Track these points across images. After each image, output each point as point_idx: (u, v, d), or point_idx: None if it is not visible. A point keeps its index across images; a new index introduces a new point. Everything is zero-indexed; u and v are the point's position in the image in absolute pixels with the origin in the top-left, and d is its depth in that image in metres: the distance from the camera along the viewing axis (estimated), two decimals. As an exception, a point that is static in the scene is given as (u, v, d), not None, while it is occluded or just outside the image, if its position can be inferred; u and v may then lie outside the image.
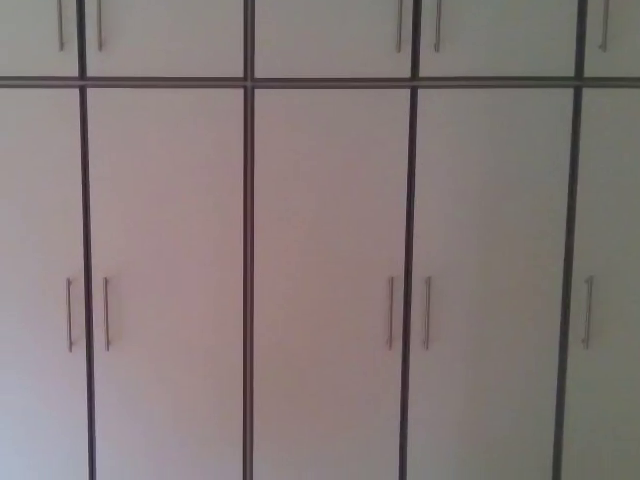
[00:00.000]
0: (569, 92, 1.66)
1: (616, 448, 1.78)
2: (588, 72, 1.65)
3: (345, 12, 1.64)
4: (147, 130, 1.66)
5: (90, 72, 1.64)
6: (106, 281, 1.69)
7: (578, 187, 1.69)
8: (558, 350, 1.74)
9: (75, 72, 1.63)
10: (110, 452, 1.76)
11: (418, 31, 1.62)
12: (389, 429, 1.75)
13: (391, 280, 1.70)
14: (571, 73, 1.65)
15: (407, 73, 1.65)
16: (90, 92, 1.64)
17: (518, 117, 1.67)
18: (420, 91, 1.65)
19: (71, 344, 1.70)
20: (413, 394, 1.74)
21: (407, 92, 1.65)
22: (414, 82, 1.66)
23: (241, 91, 1.65)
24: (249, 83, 1.66)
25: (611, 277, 1.72)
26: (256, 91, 1.65)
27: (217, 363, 1.73)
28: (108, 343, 1.71)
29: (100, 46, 1.63)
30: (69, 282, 1.68)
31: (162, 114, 1.65)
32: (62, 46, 1.61)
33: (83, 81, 1.65)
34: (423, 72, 1.65)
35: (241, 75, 1.64)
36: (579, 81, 1.67)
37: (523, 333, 1.73)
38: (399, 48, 1.63)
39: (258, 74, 1.65)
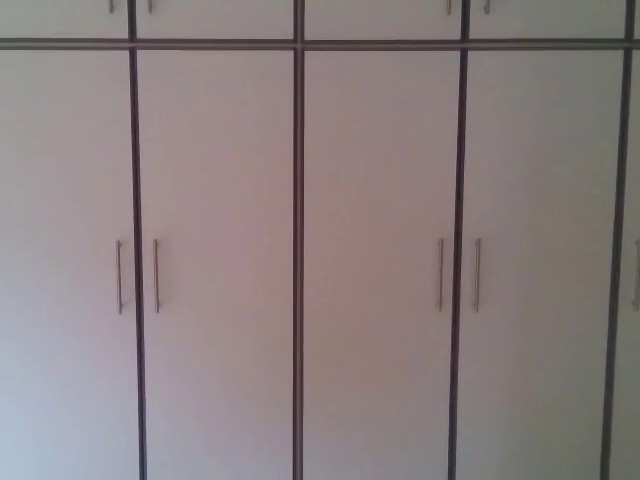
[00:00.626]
0: (619, 54, 1.92)
1: (666, 410, 2.10)
2: (639, 34, 1.98)
3: (397, -26, 1.95)
4: (197, 92, 1.94)
5: (140, 34, 1.92)
6: (156, 243, 2.00)
7: (628, 149, 1.97)
8: (608, 312, 2.03)
9: (125, 34, 1.91)
10: (160, 414, 2.06)
11: (469, -7, 1.93)
12: (439, 391, 2.05)
13: (441, 242, 2.02)
14: (621, 35, 1.92)
15: (457, 35, 1.94)
16: (140, 54, 1.93)
17: (568, 79, 1.95)
18: (470, 53, 1.93)
19: (121, 306, 2.03)
20: (463, 356, 2.04)
21: (457, 54, 1.93)
22: (464, 44, 1.95)
23: (291, 53, 1.94)
24: (299, 45, 1.95)
25: (662, 239, 2.02)
26: (306, 53, 1.94)
27: (267, 326, 2.03)
28: (158, 305, 2.03)
29: (150, 8, 1.92)
30: (119, 244, 1.99)
31: (212, 76, 1.93)
32: (112, 8, 1.90)
33: (133, 43, 1.94)
34: (473, 34, 1.93)
35: (291, 37, 1.93)
36: (629, 43, 1.94)
37: (573, 295, 2.04)
38: (449, 10, 1.94)
39: (308, 36, 1.93)
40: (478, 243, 1.97)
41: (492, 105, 1.94)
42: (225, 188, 1.96)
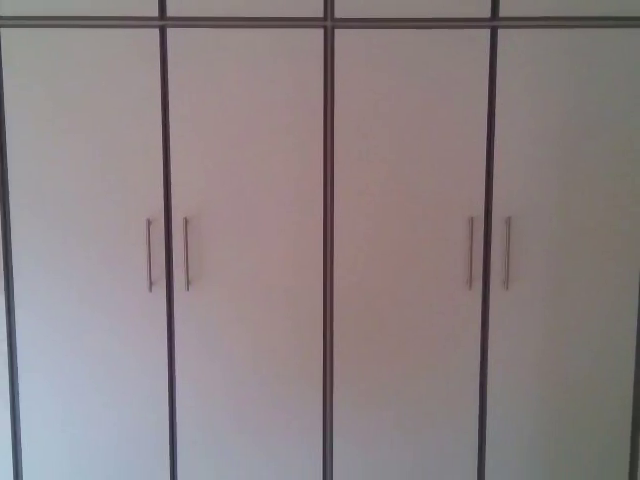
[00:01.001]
0: (650, 31, 2.12)
1: (695, 390, 2.27)
2: (670, 11, 2.12)
3: (428, -48, 2.10)
4: (227, 70, 2.14)
5: (170, 12, 2.12)
6: (186, 221, 2.21)
7: (659, 127, 2.16)
8: (638, 289, 2.22)
9: (155, 12, 2.11)
10: (190, 392, 2.26)
11: (499, -29, 2.08)
12: (469, 369, 2.27)
13: (471, 220, 2.24)
14: (653, 12, 2.11)
15: (487, 13, 2.12)
16: (170, 32, 2.13)
17: (598, 56, 2.13)
18: (500, 31, 2.12)
19: (151, 284, 2.24)
20: (493, 334, 2.25)
21: (487, 32, 2.13)
22: (494, 22, 2.13)
23: (321, 31, 2.14)
24: (329, 23, 2.15)
25: (691, 218, 2.18)
26: (336, 31, 2.14)
27: (297, 304, 2.24)
28: (188, 283, 2.24)
29: (180, -15, 2.11)
30: (149, 222, 2.20)
31: (242, 54, 2.13)
32: (143, -15, 2.10)
33: (163, 21, 2.13)
34: (503, 12, 2.11)
35: (321, 15, 2.12)
36: (661, 21, 2.13)
37: (603, 272, 2.23)
38: (480, -13, 2.11)
39: (338, 14, 2.13)
40: (508, 221, 2.18)
41: (522, 83, 2.14)
42: (255, 166, 2.17)
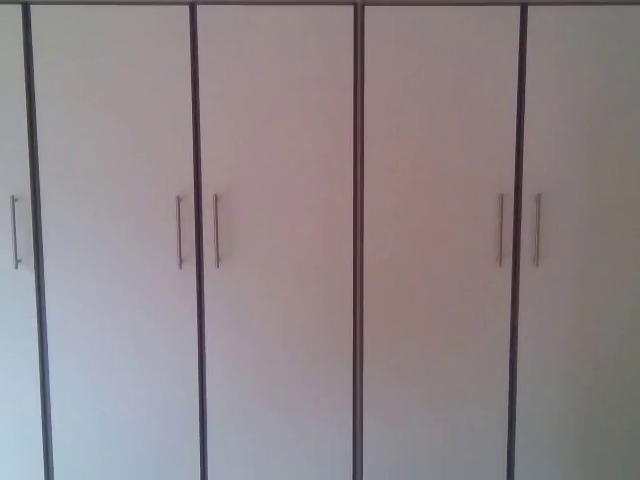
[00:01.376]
0: (681, 8, 2.28)
1: None
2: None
3: None
4: (257, 47, 2.34)
5: None
6: (216, 198, 2.43)
7: (690, 104, 2.32)
8: None
9: None
10: (220, 369, 2.48)
11: (530, -54, 2.25)
12: (499, 346, 2.49)
13: (501, 197, 2.44)
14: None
15: None
16: (200, 9, 2.33)
17: (628, 33, 2.32)
18: (530, 8, 2.32)
19: (181, 261, 2.46)
20: (523, 311, 2.47)
21: (517, 9, 2.33)
22: None
23: (351, 8, 2.33)
24: (359, 0, 2.38)
25: None
26: (366, 8, 2.33)
27: (327, 281, 2.45)
28: (218, 260, 2.46)
29: (210, -38, 2.28)
30: (179, 199, 2.42)
31: (272, 31, 2.33)
32: (173, -38, 2.27)
33: None
34: None
35: None
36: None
37: (633, 249, 2.42)
38: (510, -36, 2.28)
39: None
40: (538, 198, 2.41)
41: (552, 60, 2.34)
42: (285, 143, 2.39)
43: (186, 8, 2.33)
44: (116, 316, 2.47)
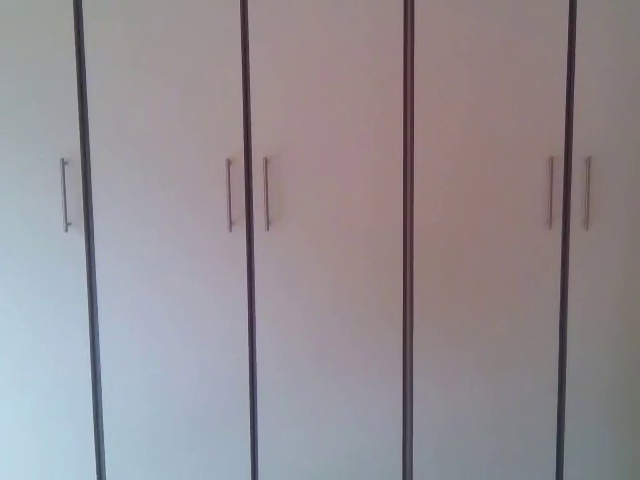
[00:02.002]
0: None
1: None
2: None
3: None
4: (307, 10, 2.71)
5: None
6: (266, 161, 2.81)
7: None
8: None
9: None
10: (270, 332, 2.88)
11: None
12: (549, 309, 2.86)
13: (551, 160, 2.77)
14: None
15: None
16: None
17: None
18: None
19: (231, 224, 2.84)
20: (573, 273, 2.81)
21: None
22: None
23: None
24: None
25: None
26: None
27: (377, 244, 2.82)
28: (268, 223, 2.83)
29: None
30: (229, 162, 2.81)
31: None
32: None
33: None
34: None
35: None
36: None
37: None
38: None
39: None
40: (588, 161, 2.76)
41: (603, 22, 2.67)
42: (335, 106, 2.78)
43: (236, -30, 2.58)
44: (166, 279, 2.89)
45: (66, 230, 2.89)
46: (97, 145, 2.85)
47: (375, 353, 2.96)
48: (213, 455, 3.01)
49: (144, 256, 2.89)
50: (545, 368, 2.96)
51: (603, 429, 2.96)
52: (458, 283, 2.93)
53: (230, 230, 2.90)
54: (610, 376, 2.90)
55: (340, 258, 2.90)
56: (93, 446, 3.04)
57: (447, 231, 2.88)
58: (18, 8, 2.74)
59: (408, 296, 2.94)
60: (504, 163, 2.84)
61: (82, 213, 2.89)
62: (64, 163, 2.85)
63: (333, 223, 2.88)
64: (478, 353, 2.95)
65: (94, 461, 3.05)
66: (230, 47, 2.80)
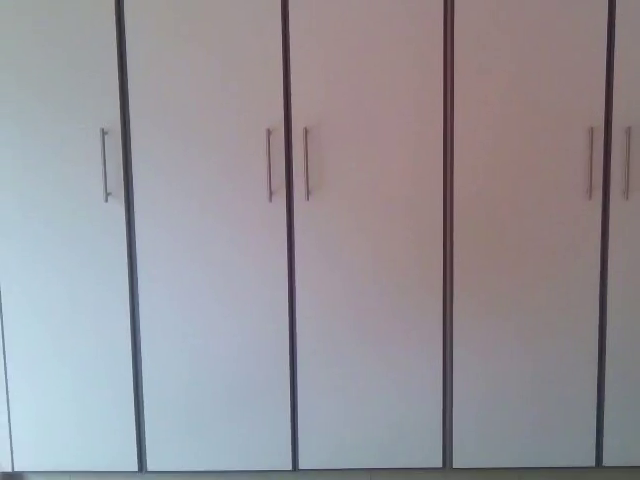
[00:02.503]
0: None
1: None
2: None
3: None
4: None
5: None
6: (306, 131, 3.14)
7: None
8: None
9: None
10: (310, 302, 3.23)
11: None
12: (589, 279, 3.17)
13: (591, 130, 3.06)
14: None
15: None
16: None
17: None
18: None
19: (271, 194, 3.19)
20: (613, 243, 3.07)
21: None
22: None
23: None
24: None
25: None
26: None
27: (417, 214, 3.15)
28: (308, 193, 3.18)
29: None
30: (269, 132, 3.15)
31: None
32: None
33: None
34: None
35: None
36: None
37: None
38: None
39: None
40: (628, 131, 3.03)
41: None
42: (375, 76, 3.11)
43: (276, -60, 2.86)
44: (206, 250, 3.25)
45: (106, 200, 3.26)
46: (137, 115, 3.19)
47: (415, 323, 3.33)
48: (253, 425, 3.41)
49: (184, 226, 3.25)
50: (585, 338, 3.25)
51: (643, 398, 3.12)
52: (498, 253, 3.26)
53: (270, 200, 3.25)
54: (652, 345, 2.95)
55: (380, 228, 3.25)
56: (133, 416, 3.44)
57: (487, 201, 3.21)
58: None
59: (448, 266, 3.29)
60: (544, 133, 3.12)
61: (122, 183, 3.25)
62: (104, 133, 3.21)
63: (373, 193, 3.22)
64: (518, 323, 3.31)
65: (134, 431, 3.47)
66: (270, 17, 3.12)
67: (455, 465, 3.43)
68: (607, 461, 3.27)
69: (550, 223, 3.20)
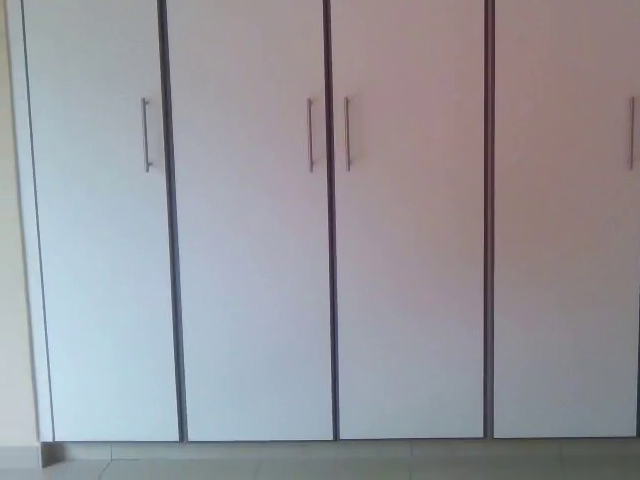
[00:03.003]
0: None
1: None
2: None
3: None
4: None
5: None
6: (347, 101, 3.53)
7: None
8: None
9: None
10: (351, 272, 3.64)
11: None
12: (630, 249, 3.43)
13: (632, 100, 3.34)
14: None
15: None
16: None
17: None
18: None
19: (312, 164, 3.61)
20: None
21: None
22: None
23: None
24: None
25: None
26: None
27: (458, 183, 3.55)
28: (349, 163, 3.59)
29: None
30: (310, 102, 3.56)
31: None
32: None
33: None
34: None
35: None
36: None
37: None
38: None
39: None
40: None
41: None
42: (416, 46, 3.50)
43: None
44: (247, 220, 3.67)
45: (147, 170, 3.67)
46: (178, 85, 3.58)
47: (456, 292, 3.74)
48: (294, 395, 3.85)
49: (225, 196, 3.67)
50: (626, 307, 3.57)
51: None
52: (539, 222, 3.61)
53: (311, 170, 3.68)
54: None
55: (421, 198, 3.67)
56: (174, 386, 3.90)
57: (528, 171, 3.57)
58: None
59: (489, 235, 3.66)
60: (585, 103, 3.45)
61: (163, 153, 3.66)
62: (145, 103, 3.61)
63: (414, 163, 3.63)
64: (559, 292, 3.65)
65: (175, 401, 3.96)
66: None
67: (496, 435, 3.89)
68: (648, 431, 3.22)
69: (591, 193, 3.55)
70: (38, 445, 4.04)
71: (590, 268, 3.68)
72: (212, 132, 3.72)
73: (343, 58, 3.57)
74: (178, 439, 3.99)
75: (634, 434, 3.72)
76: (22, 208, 3.76)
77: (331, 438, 3.96)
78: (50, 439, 4.01)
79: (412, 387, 3.87)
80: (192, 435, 3.99)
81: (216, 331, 3.89)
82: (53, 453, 4.13)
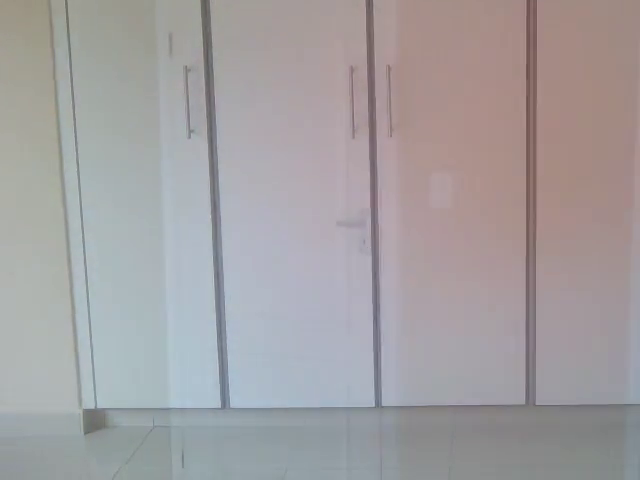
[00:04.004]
0: None
1: None
2: None
3: None
4: None
5: None
6: (389, 69, 3.98)
7: None
8: None
9: None
10: (393, 238, 4.13)
11: None
12: None
13: None
14: None
15: None
16: None
17: None
18: None
19: (354, 131, 4.08)
20: None
21: None
22: None
23: None
24: None
25: None
26: None
27: (500, 151, 3.98)
28: (391, 130, 4.04)
29: None
30: (352, 70, 4.02)
31: None
32: None
33: None
34: None
35: None
36: None
37: None
38: None
39: None
40: None
41: None
42: (458, 14, 4.02)
43: None
44: (288, 185, 4.17)
45: (189, 137, 4.10)
46: (220, 53, 4.01)
47: (498, 259, 4.18)
48: (335, 362, 4.34)
49: (267, 162, 4.12)
50: None
51: None
52: (582, 190, 4.09)
53: (353, 137, 4.09)
54: None
55: (463, 165, 4.12)
56: (216, 353, 4.31)
57: (570, 138, 4.06)
58: None
59: (531, 203, 4.07)
60: (629, 71, 3.96)
61: (205, 120, 4.09)
62: (187, 70, 4.02)
63: (456, 130, 4.05)
64: (601, 259, 4.18)
65: (217, 368, 4.37)
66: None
67: (538, 402, 4.28)
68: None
69: (632, 164, 4.00)
70: (80, 412, 4.46)
71: (634, 235, 4.14)
72: (253, 99, 4.11)
73: (385, 26, 3.97)
74: (220, 406, 4.39)
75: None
76: (64, 174, 4.34)
77: (373, 405, 4.35)
78: (92, 406, 4.43)
79: (454, 354, 4.25)
80: (234, 402, 4.38)
81: (257, 299, 4.29)
82: (95, 420, 4.56)
